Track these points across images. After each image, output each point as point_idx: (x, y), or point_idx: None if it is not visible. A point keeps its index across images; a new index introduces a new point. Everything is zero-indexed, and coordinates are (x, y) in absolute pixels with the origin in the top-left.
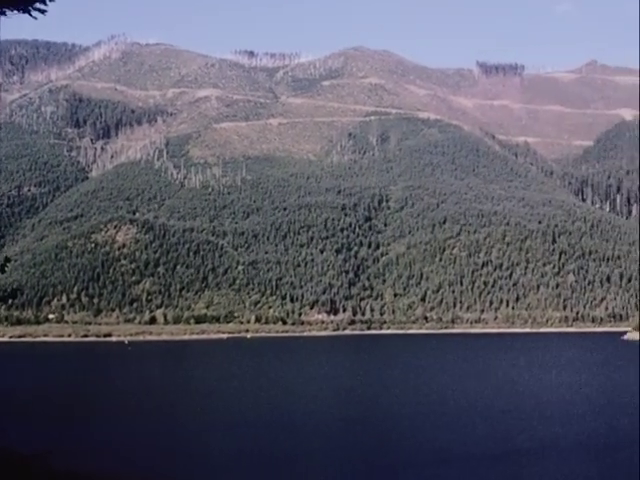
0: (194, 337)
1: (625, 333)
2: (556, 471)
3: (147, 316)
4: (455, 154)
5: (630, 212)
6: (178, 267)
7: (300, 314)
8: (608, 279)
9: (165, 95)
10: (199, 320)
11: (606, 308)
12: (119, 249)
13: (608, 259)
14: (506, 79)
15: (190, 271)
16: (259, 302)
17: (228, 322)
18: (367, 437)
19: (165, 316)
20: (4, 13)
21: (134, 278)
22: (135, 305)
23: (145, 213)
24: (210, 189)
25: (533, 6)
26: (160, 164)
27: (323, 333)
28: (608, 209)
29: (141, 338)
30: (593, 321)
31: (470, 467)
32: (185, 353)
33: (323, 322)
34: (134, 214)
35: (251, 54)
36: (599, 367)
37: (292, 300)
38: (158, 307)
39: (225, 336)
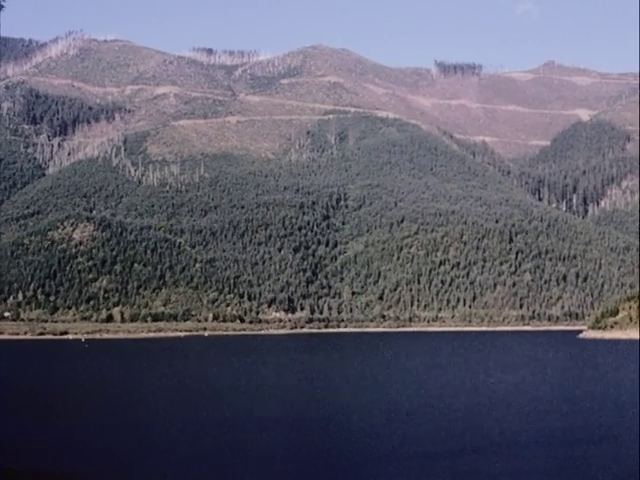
0: (151, 335)
1: (581, 331)
2: (511, 467)
3: (104, 314)
4: (413, 153)
5: (586, 212)
6: (135, 265)
7: (258, 312)
8: (564, 278)
9: (123, 92)
10: (156, 318)
11: (562, 307)
12: (76, 247)
13: (564, 258)
14: (464, 79)
15: (147, 269)
16: (217, 300)
17: (185, 320)
18: (315, 435)
19: (122, 314)
20: None
21: (91, 276)
22: (92, 303)
23: (102, 210)
24: (168, 187)
25: (491, 6)
26: (118, 161)
27: (281, 331)
28: (564, 209)
29: (98, 336)
30: (549, 320)
31: (425, 464)
32: (142, 351)
33: (281, 320)
34: (91, 211)
35: (210, 52)
36: (556, 365)
37: (250, 298)
38: (115, 305)
39: (182, 334)
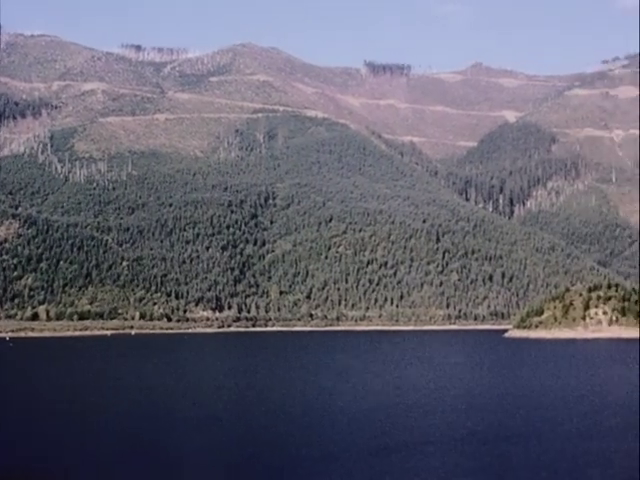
0: (77, 334)
1: (506, 331)
2: (433, 464)
3: (29, 312)
4: (342, 152)
5: (512, 212)
6: (61, 263)
7: (185, 311)
8: (490, 278)
9: (50, 88)
10: (82, 316)
11: (488, 306)
12: (1, 244)
13: (490, 258)
14: (393, 79)
15: (74, 267)
16: (144, 299)
17: (112, 319)
18: (232, 434)
19: (48, 312)
20: None
21: (16, 273)
22: (17, 301)
23: (28, 208)
24: (95, 184)
25: (421, 6)
26: (44, 158)
27: (208, 330)
28: (491, 209)
29: (23, 334)
30: (475, 319)
31: (350, 463)
32: (68, 350)
33: (208, 319)
34: (17, 209)
35: (138, 48)
36: (481, 364)
37: (177, 297)
38: (41, 303)
39: (109, 333)
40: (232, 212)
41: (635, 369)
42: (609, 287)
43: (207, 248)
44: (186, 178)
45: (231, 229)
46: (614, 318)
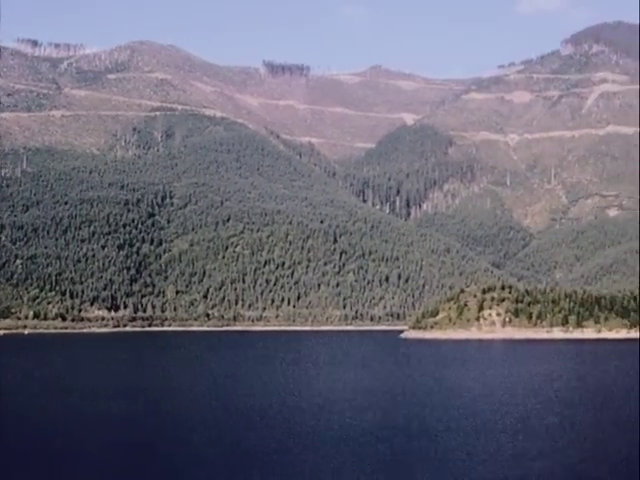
0: None
1: (402, 331)
2: (327, 463)
3: None
4: (240, 152)
5: (409, 214)
6: None
7: (80, 310)
8: (387, 279)
9: None
10: None
11: (384, 307)
12: None
13: (387, 259)
14: (292, 79)
15: None
16: (38, 297)
17: (5, 318)
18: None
19: None
20: None
21: None
22: None
23: None
24: None
25: (321, 7)
26: None
27: (103, 330)
28: (388, 211)
29: None
30: (372, 320)
31: (245, 463)
32: None
33: (104, 319)
34: None
35: (34, 43)
36: (379, 364)
37: (72, 296)
38: None
39: (1, 332)
40: (129, 211)
41: (527, 367)
42: (503, 289)
43: (103, 247)
44: (82, 176)
45: (127, 228)
46: (507, 319)
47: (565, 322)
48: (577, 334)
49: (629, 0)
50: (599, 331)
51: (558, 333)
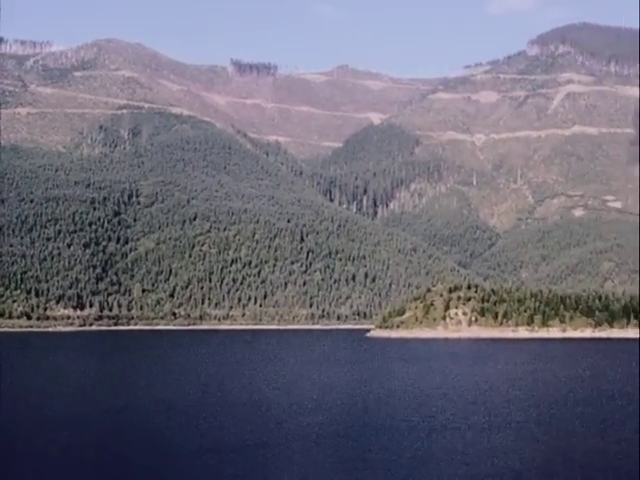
0: None
1: (369, 330)
2: (299, 461)
3: None
4: (207, 151)
5: (376, 213)
6: None
7: (45, 309)
8: (353, 278)
9: None
10: None
11: (351, 306)
12: None
13: (354, 258)
14: (259, 78)
15: None
16: (2, 296)
17: None
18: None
19: None
20: None
21: None
22: None
23: None
24: None
25: (289, 6)
26: None
27: (69, 328)
28: (355, 210)
29: None
30: (338, 319)
31: (210, 460)
32: None
33: (69, 317)
34: None
35: (0, 40)
36: (344, 362)
37: (37, 294)
38: None
39: None
40: (95, 209)
41: (492, 366)
42: (469, 288)
43: (68, 245)
44: (48, 174)
45: (93, 226)
46: (473, 318)
47: (531, 321)
48: (543, 333)
49: (598, 1)
50: (564, 330)
51: (524, 332)
